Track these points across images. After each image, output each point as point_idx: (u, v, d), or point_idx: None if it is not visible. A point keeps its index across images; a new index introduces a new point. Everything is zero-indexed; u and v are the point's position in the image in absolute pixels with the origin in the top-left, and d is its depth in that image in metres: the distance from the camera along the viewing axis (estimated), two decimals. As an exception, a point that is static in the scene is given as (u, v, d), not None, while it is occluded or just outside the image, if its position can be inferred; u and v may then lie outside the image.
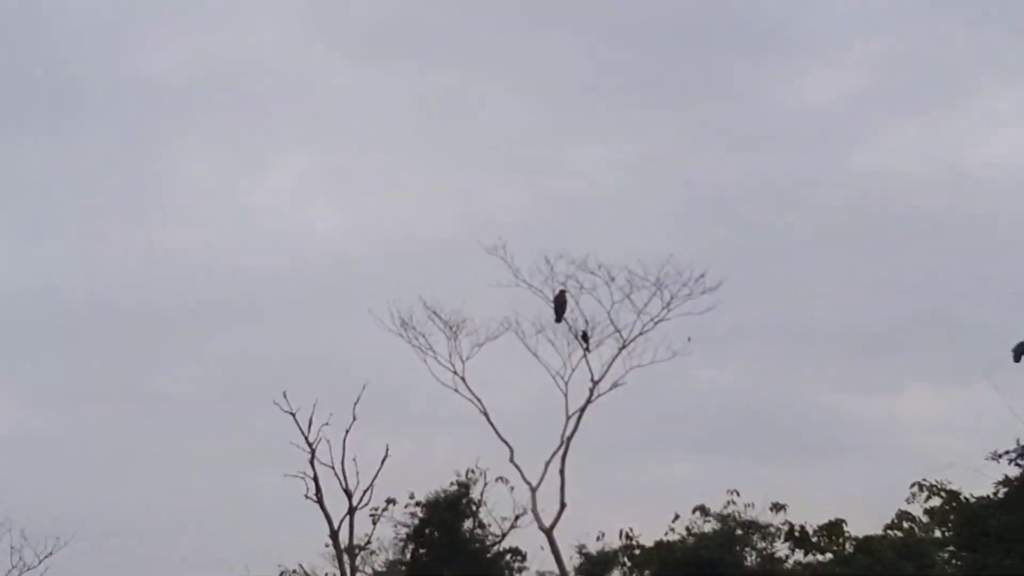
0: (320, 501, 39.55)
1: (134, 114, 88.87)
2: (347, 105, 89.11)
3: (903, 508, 39.85)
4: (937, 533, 38.39)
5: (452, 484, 40.50)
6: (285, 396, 39.39)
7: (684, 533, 40.22)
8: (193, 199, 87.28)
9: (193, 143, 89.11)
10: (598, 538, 41.88)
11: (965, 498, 32.07)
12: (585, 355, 35.85)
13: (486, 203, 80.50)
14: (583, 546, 41.70)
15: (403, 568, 40.67)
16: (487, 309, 36.74)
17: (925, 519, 39.24)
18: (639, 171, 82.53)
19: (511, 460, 36.39)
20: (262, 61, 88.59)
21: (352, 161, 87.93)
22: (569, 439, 35.51)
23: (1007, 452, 26.80)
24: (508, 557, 41.42)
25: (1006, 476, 27.62)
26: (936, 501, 36.64)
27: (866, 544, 38.29)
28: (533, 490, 35.90)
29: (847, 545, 39.03)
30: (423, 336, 36.69)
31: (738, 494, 40.36)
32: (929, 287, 72.62)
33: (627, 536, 41.55)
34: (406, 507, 40.82)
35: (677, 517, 40.59)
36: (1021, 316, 25.44)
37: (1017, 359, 25.60)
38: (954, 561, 32.80)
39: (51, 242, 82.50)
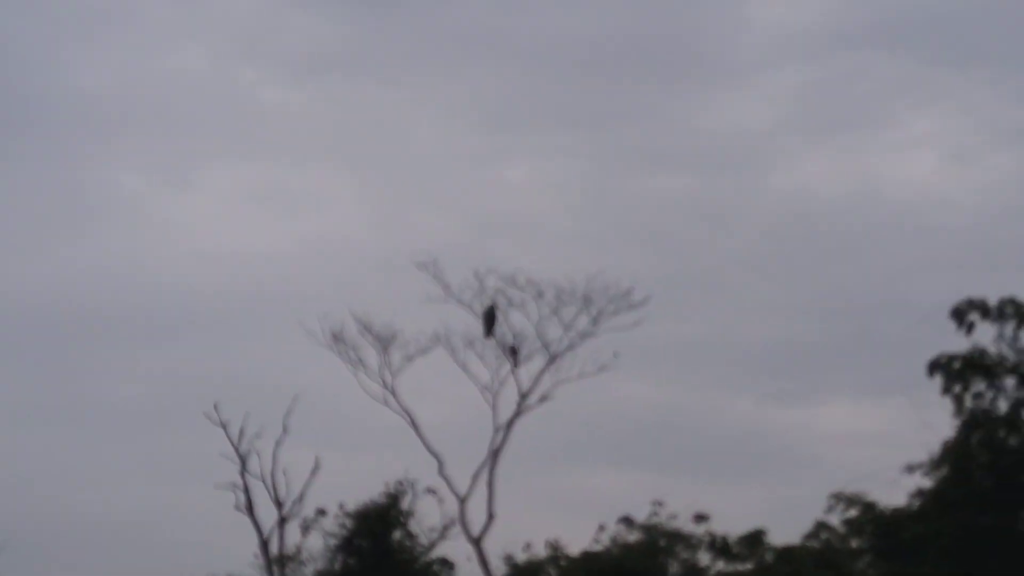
0: (250, 512, 39.89)
1: (67, 129, 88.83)
2: (276, 124, 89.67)
3: (821, 519, 40.74)
4: (854, 543, 39.23)
5: (382, 495, 40.88)
6: (216, 409, 39.77)
7: (609, 543, 40.75)
8: (126, 214, 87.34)
9: (125, 159, 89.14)
10: (525, 548, 42.37)
11: (881, 509, 32.86)
12: (513, 369, 36.42)
13: (415, 221, 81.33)
14: (510, 556, 42.06)
15: (333, 578, 40.99)
16: (418, 324, 37.27)
17: (843, 529, 40.07)
18: (565, 192, 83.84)
19: (440, 472, 36.92)
20: (194, 79, 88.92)
21: (280, 179, 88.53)
22: (497, 452, 36.08)
23: (921, 465, 27.51)
24: (436, 567, 41.82)
25: (920, 488, 28.34)
26: (854, 512, 37.43)
27: (786, 554, 38.99)
28: (462, 501, 36.44)
29: (767, 555, 39.75)
30: (354, 350, 37.18)
31: (662, 505, 41.02)
32: (848, 305, 74.12)
33: (553, 546, 42.00)
34: (336, 518, 41.16)
35: (603, 528, 41.15)
36: (936, 334, 26.27)
37: (931, 375, 26.43)
38: (870, 570, 33.59)
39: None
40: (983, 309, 25.77)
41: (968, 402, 26.14)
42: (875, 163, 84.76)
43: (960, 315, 25.96)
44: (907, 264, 76.09)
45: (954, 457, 26.56)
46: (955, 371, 25.93)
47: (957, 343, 26.41)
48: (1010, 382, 25.85)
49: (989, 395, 26.03)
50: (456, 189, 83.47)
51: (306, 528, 41.02)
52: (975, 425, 26.22)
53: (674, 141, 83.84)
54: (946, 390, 26.53)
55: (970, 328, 25.85)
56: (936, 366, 26.33)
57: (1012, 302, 25.71)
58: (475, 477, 36.12)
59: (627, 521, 40.92)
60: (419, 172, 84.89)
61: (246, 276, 79.40)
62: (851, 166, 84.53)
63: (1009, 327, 25.74)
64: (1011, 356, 25.73)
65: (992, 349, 25.83)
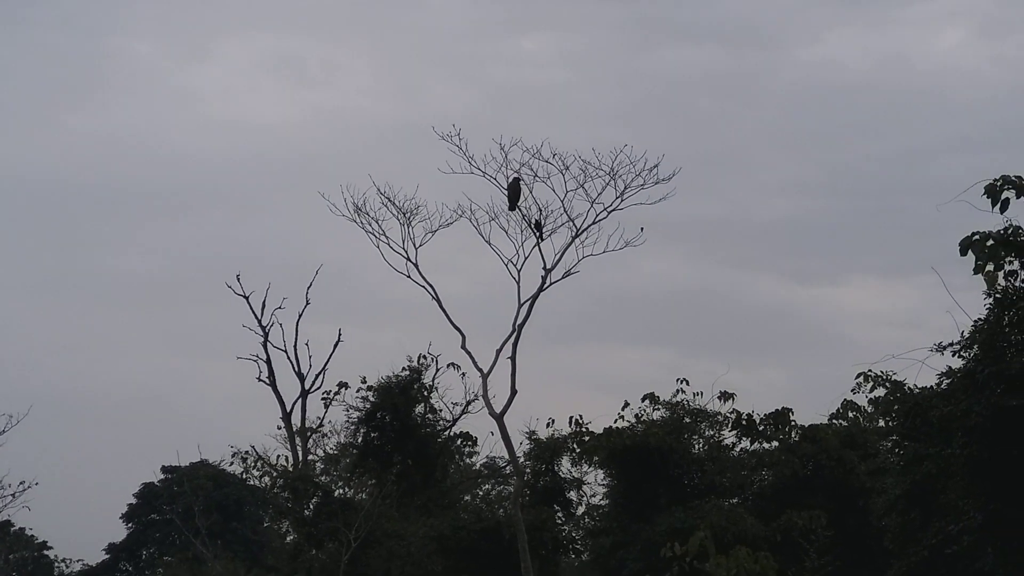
0: (273, 384, 39.87)
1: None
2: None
3: (848, 398, 40.47)
4: (881, 423, 38.98)
5: (404, 369, 40.70)
6: (238, 279, 39.61)
7: (633, 420, 40.52)
8: (140, 84, 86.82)
9: (141, 28, 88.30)
10: (548, 424, 42.26)
11: (909, 388, 32.48)
12: (538, 243, 35.90)
13: (434, 92, 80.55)
14: (533, 432, 42.09)
15: (354, 451, 40.97)
16: (440, 196, 36.76)
17: (869, 409, 39.80)
18: (586, 63, 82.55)
19: (463, 346, 36.54)
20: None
21: (297, 49, 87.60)
22: (520, 326, 35.68)
23: (951, 344, 27.04)
24: (459, 442, 41.77)
25: (949, 367, 27.90)
26: (880, 391, 37.10)
27: (811, 432, 38.81)
28: (484, 376, 36.10)
29: (793, 434, 39.55)
30: (376, 221, 36.66)
31: (687, 383, 40.67)
32: (875, 182, 73.14)
33: (576, 423, 41.84)
34: (358, 391, 41.04)
35: (627, 404, 40.86)
36: (963, 213, 25.55)
37: (964, 253, 25.72)
38: (896, 450, 33.31)
39: (2, 125, 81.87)
40: (1020, 187, 24.96)
41: (1001, 281, 25.50)
42: (902, 36, 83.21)
43: (995, 192, 25.16)
44: (933, 141, 74.99)
45: (985, 336, 26.01)
46: (988, 249, 25.20)
47: (986, 223, 25.74)
48: (1045, 261, 25.16)
49: (1023, 274, 25.43)
50: (474, 60, 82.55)
51: (328, 401, 40.96)
52: (1007, 304, 25.64)
53: (697, 12, 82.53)
54: (978, 269, 25.82)
55: (1005, 206, 25.06)
56: (968, 244, 25.60)
57: (1051, 179, 24.90)
58: (498, 352, 35.78)
59: (651, 398, 40.63)
60: (436, 42, 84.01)
61: (264, 147, 79.22)
62: (878, 39, 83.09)
63: (1047, 205, 24.93)
64: (1047, 235, 24.98)
65: (1027, 227, 25.10)
